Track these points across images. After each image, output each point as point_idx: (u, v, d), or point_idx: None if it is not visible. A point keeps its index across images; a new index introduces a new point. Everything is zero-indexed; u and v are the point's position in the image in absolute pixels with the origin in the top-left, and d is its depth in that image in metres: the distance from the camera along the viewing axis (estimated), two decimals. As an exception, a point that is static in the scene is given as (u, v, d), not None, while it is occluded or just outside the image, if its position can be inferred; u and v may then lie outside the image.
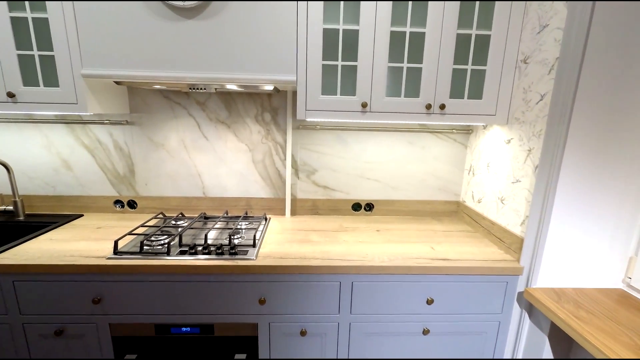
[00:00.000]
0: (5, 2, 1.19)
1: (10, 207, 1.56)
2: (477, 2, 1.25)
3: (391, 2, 1.21)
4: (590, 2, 0.96)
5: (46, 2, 1.19)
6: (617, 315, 1.01)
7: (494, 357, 1.31)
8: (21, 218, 1.56)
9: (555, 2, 1.10)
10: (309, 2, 1.21)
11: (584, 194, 1.09)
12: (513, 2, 1.24)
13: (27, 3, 1.20)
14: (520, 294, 1.23)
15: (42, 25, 1.22)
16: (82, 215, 1.64)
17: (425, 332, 1.26)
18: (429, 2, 1.23)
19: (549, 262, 1.15)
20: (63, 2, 1.18)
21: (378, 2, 1.21)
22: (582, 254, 1.14)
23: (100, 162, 1.64)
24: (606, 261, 1.15)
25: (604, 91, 1.02)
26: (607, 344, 0.88)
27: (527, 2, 1.23)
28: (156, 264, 1.15)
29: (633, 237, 1.12)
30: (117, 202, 1.69)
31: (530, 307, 1.22)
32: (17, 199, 1.55)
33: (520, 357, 1.27)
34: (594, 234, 1.13)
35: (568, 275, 1.16)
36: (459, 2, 1.23)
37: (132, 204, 1.69)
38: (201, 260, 1.18)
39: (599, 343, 0.88)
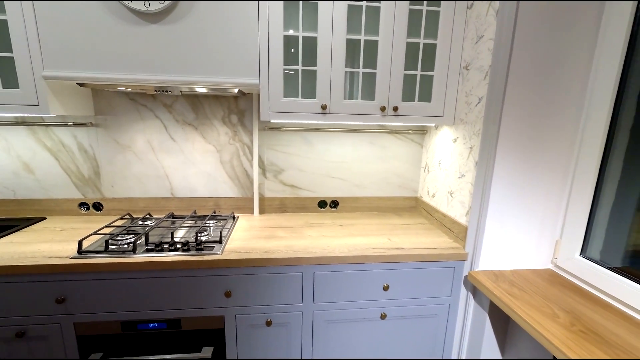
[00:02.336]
0: (-40, 3, 1.19)
1: (-34, 212, 1.52)
2: (424, 13, 1.38)
3: (346, 10, 1.31)
4: (514, 16, 1.10)
5: (4, 2, 1.19)
6: (544, 291, 1.15)
7: (446, 338, 1.43)
8: (-22, 222, 1.53)
9: (489, 14, 1.24)
10: (269, 9, 1.28)
11: (516, 185, 1.23)
12: (455, 13, 1.38)
13: (-16, 5, 1.20)
14: (465, 278, 1.36)
15: (1, 27, 1.22)
16: (44, 219, 1.62)
17: (383, 316, 1.36)
18: (381, 10, 1.34)
19: (489, 248, 1.28)
20: (22, 3, 1.19)
21: (335, 10, 1.31)
22: (516, 239, 1.29)
23: (64, 164, 1.63)
24: (538, 245, 1.30)
25: (529, 94, 1.16)
26: (531, 314, 1.01)
27: (468, 13, 1.38)
28: (122, 261, 1.17)
29: (558, 223, 1.27)
30: (82, 204, 1.68)
31: (474, 289, 1.35)
32: (-27, 203, 1.51)
33: (467, 336, 1.39)
34: (526, 221, 1.27)
35: (505, 258, 1.30)
36: (407, 12, 1.35)
37: (97, 206, 1.69)
38: (167, 257, 1.21)
39: (524, 314, 1.01)
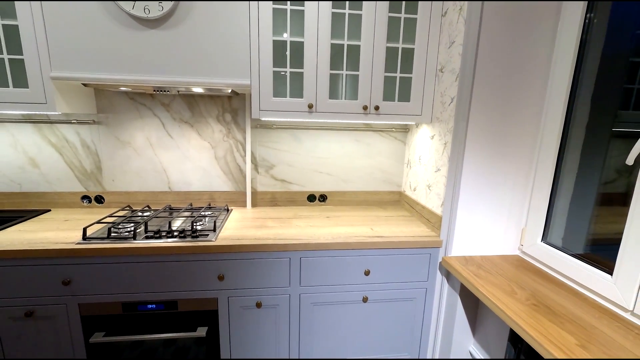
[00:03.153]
0: (-25, 10, 1.29)
1: (-24, 203, 1.62)
2: (402, 20, 1.50)
3: (330, 17, 1.43)
4: (478, 23, 1.22)
5: (16, 10, 1.30)
6: (508, 274, 1.27)
7: (424, 319, 1.54)
8: (-13, 213, 1.63)
9: (459, 22, 1.36)
10: (259, 15, 1.40)
11: (484, 177, 1.35)
12: (431, 20, 1.50)
13: (-3, 11, 1.31)
14: (440, 264, 1.48)
15: (12, 32, 1.33)
16: (49, 210, 1.72)
17: (365, 299, 1.47)
18: (362, 17, 1.46)
19: (460, 235, 1.40)
20: (32, 8, 1.30)
21: (320, 16, 1.43)
22: (486, 227, 1.40)
23: (68, 159, 1.73)
24: (505, 232, 1.42)
25: (494, 94, 1.28)
26: (492, 291, 1.13)
27: (442, 20, 1.50)
28: (123, 246, 1.28)
29: (524, 212, 1.39)
30: (85, 197, 1.78)
31: (447, 273, 1.47)
32: (-18, 195, 1.61)
33: (442, 317, 1.51)
34: (495, 210, 1.39)
35: (476, 245, 1.42)
36: (387, 19, 1.47)
37: (99, 199, 1.79)
38: (164, 243, 1.32)
39: (486, 291, 1.13)
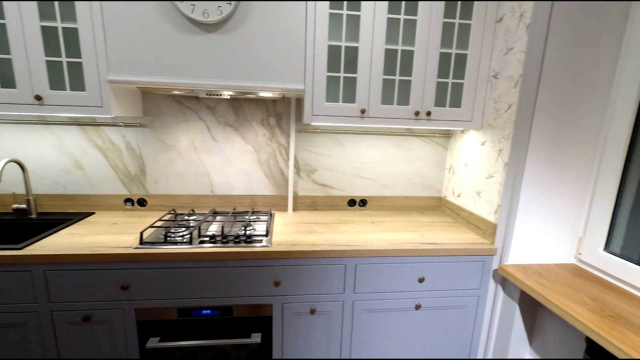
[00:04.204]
0: (36, 12, 1.29)
1: (23, 206, 1.62)
2: (456, 26, 1.49)
3: (386, 23, 1.43)
4: (545, 31, 1.21)
5: (77, 13, 1.29)
6: (571, 283, 1.25)
7: (475, 327, 1.53)
8: (34, 216, 1.62)
9: (519, 28, 1.35)
10: (316, 20, 1.39)
11: (543, 185, 1.34)
12: (485, 26, 1.49)
13: (58, 13, 1.31)
14: (495, 271, 1.47)
15: (72, 34, 1.33)
16: (93, 213, 1.72)
17: (418, 307, 1.46)
18: (417, 23, 1.45)
19: (518, 243, 1.38)
20: (92, 13, 1.30)
21: (375, 23, 1.42)
22: (543, 235, 1.39)
23: (112, 162, 1.73)
24: (562, 241, 1.40)
25: (558, 102, 1.27)
26: (564, 302, 1.11)
27: (497, 27, 1.49)
28: (182, 251, 1.27)
29: (581, 221, 1.38)
30: (127, 200, 1.78)
31: (503, 281, 1.45)
32: (30, 197, 1.61)
33: (495, 325, 1.49)
34: (552, 219, 1.38)
35: (532, 253, 1.40)
36: (442, 25, 1.46)
37: (141, 202, 1.79)
38: (221, 248, 1.31)
39: (558, 301, 1.11)
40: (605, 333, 0.95)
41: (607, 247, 1.31)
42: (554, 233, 1.40)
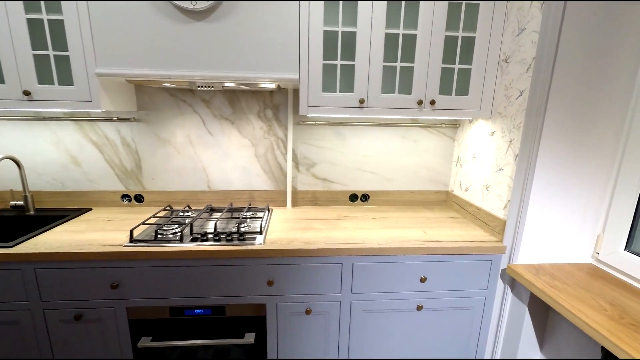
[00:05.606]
0: (21, 4, 1.25)
1: (21, 202, 1.62)
2: (463, 6, 1.37)
3: (386, 5, 1.32)
4: (562, 7, 1.09)
5: (62, 3, 1.25)
6: (587, 285, 1.15)
7: (481, 330, 1.44)
8: (31, 212, 1.62)
9: (533, 5, 1.23)
10: (310, 5, 1.31)
11: (558, 179, 1.23)
12: (495, 4, 1.37)
13: (42, 4, 1.27)
14: (503, 271, 1.37)
15: (58, 27, 1.29)
16: (90, 209, 1.70)
17: (419, 308, 1.38)
18: (420, 4, 1.34)
19: (528, 241, 1.28)
20: (78, 3, 1.25)
21: (374, 4, 1.32)
22: (556, 233, 1.28)
23: (108, 157, 1.71)
24: (578, 239, 1.29)
25: (574, 87, 1.15)
26: (578, 307, 1.02)
27: (508, 6, 1.36)
28: (171, 250, 1.23)
29: (600, 216, 1.26)
30: (125, 196, 1.76)
31: (512, 282, 1.36)
32: (27, 194, 1.61)
33: (504, 329, 1.40)
34: (567, 215, 1.27)
35: (544, 252, 1.30)
36: (446, 6, 1.34)
37: (139, 198, 1.76)
38: (213, 246, 1.27)
39: (571, 307, 1.02)
40: (623, 344, 0.85)
41: (629, 246, 1.19)
42: (569, 230, 1.28)
